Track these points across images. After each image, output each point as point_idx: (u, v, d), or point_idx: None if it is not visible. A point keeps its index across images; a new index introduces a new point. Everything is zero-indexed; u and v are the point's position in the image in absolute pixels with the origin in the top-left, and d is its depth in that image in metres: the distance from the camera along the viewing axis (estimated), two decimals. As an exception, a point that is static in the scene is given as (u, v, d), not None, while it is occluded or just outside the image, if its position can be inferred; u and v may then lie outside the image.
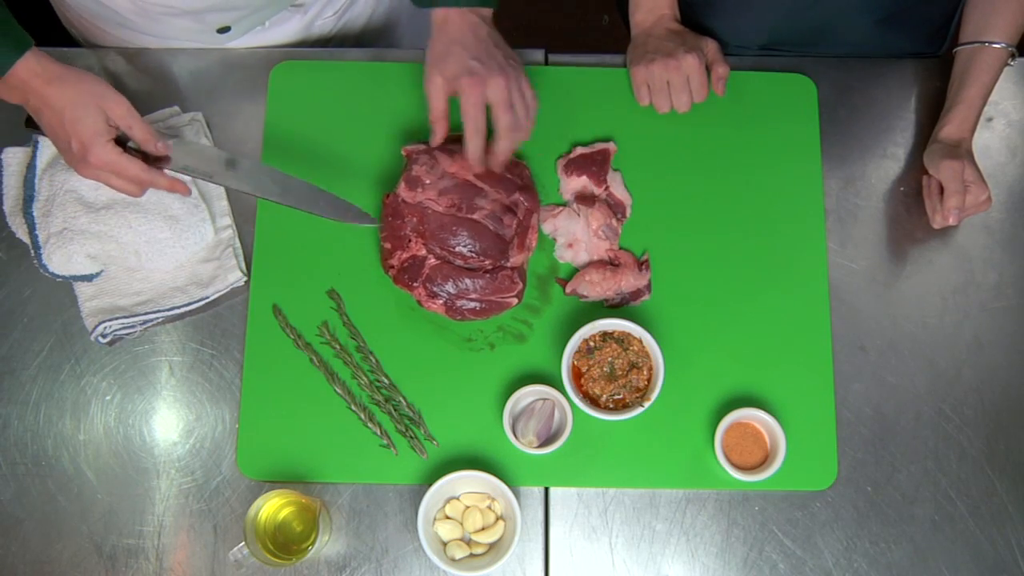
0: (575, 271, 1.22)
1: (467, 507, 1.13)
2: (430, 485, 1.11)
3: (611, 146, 1.26)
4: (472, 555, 1.12)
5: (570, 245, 1.22)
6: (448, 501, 1.13)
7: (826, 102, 1.30)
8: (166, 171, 1.10)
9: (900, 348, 1.21)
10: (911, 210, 1.26)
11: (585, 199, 1.23)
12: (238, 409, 1.17)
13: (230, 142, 1.27)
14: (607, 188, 1.24)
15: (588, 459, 1.16)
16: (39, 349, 1.20)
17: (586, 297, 1.21)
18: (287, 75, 1.29)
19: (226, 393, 1.19)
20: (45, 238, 1.19)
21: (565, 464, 1.16)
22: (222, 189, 1.25)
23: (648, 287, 1.21)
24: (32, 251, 1.20)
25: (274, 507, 1.09)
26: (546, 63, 1.33)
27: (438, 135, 1.15)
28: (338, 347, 1.19)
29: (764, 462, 1.14)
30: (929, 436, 1.18)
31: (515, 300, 1.18)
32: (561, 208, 1.24)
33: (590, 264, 1.21)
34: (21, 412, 1.18)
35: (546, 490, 1.16)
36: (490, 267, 1.17)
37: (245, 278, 1.22)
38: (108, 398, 1.19)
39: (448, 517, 1.13)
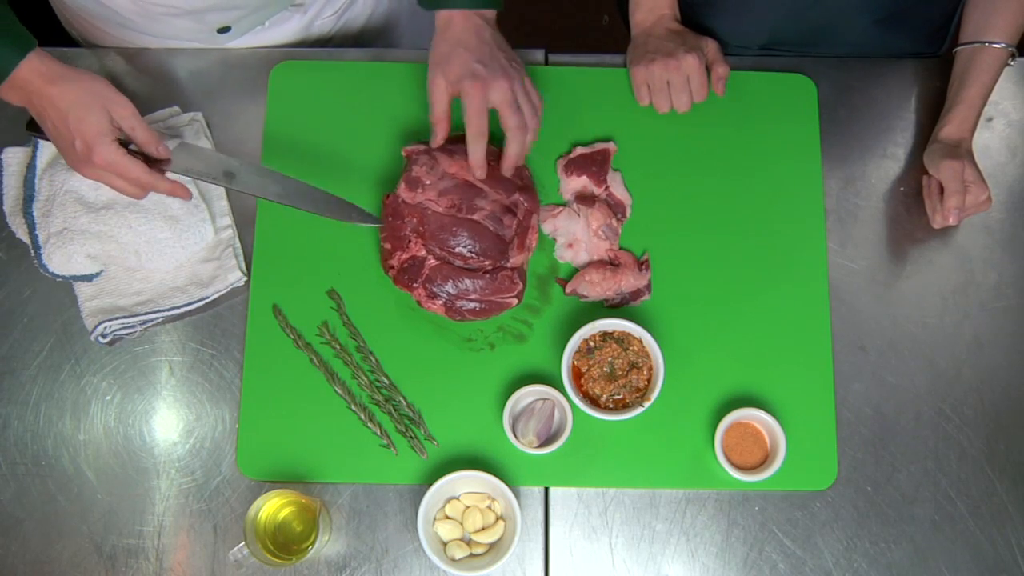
0: (575, 271, 1.22)
1: (467, 507, 1.13)
2: (430, 485, 1.11)
3: (611, 146, 1.26)
4: (472, 555, 1.12)
5: (570, 245, 1.22)
6: (448, 501, 1.13)
7: (826, 102, 1.30)
8: (168, 173, 1.10)
9: (900, 348, 1.21)
10: (911, 210, 1.26)
11: (585, 199, 1.23)
12: (238, 409, 1.17)
13: (230, 142, 1.27)
14: (607, 188, 1.24)
15: (588, 459, 1.16)
16: (39, 349, 1.20)
17: (586, 297, 1.21)
18: (287, 75, 1.29)
19: (226, 393, 1.19)
20: (45, 238, 1.19)
21: (565, 464, 1.16)
22: (222, 189, 1.25)
23: (648, 287, 1.21)
24: (32, 251, 1.20)
25: (274, 507, 1.09)
26: (546, 63, 1.33)
27: (439, 136, 1.15)
28: (338, 347, 1.19)
29: (764, 462, 1.14)
30: (929, 436, 1.18)
31: (515, 300, 1.18)
32: (561, 208, 1.24)
33: (590, 264, 1.21)
34: (21, 412, 1.18)
35: (546, 490, 1.16)
36: (490, 267, 1.17)
37: (245, 278, 1.22)
38: (108, 398, 1.19)
39: (448, 517, 1.13)
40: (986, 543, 1.14)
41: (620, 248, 1.22)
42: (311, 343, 1.19)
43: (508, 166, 1.15)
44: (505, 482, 1.10)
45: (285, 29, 1.35)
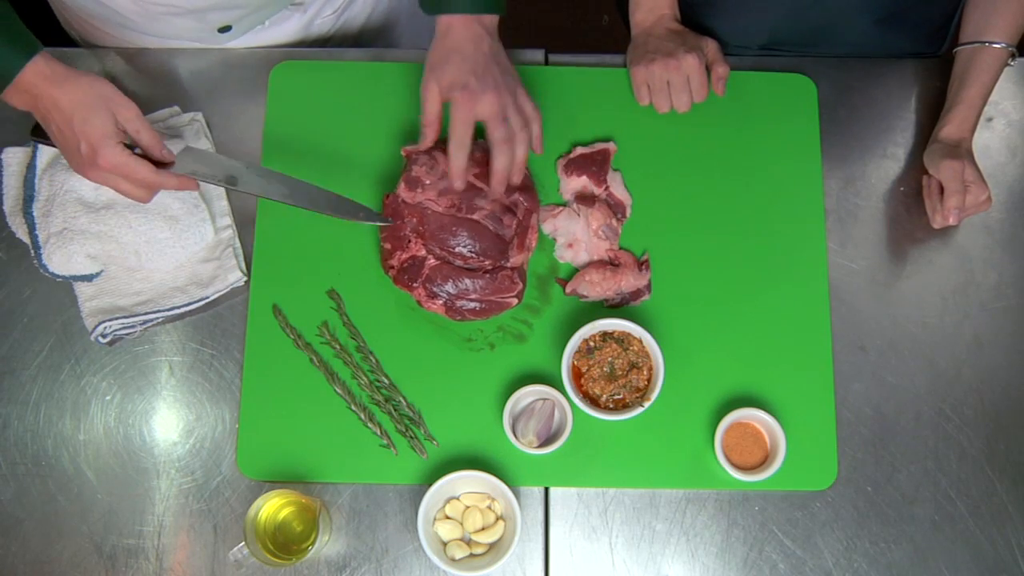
0: (575, 271, 1.22)
1: (467, 507, 1.13)
2: (430, 485, 1.11)
3: (611, 146, 1.26)
4: (472, 555, 1.12)
5: (570, 245, 1.22)
6: (448, 501, 1.13)
7: (826, 102, 1.30)
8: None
9: (900, 348, 1.21)
10: (911, 210, 1.26)
11: (585, 199, 1.23)
12: (238, 409, 1.17)
13: (230, 142, 1.27)
14: (607, 188, 1.24)
15: (588, 459, 1.16)
16: (39, 349, 1.20)
17: (586, 297, 1.21)
18: (287, 75, 1.29)
19: (226, 393, 1.19)
20: (45, 238, 1.19)
21: (565, 464, 1.16)
22: (222, 189, 1.25)
23: (648, 287, 1.21)
24: (32, 251, 1.20)
25: (274, 507, 1.09)
26: (546, 63, 1.33)
27: (428, 139, 1.16)
28: (338, 347, 1.19)
29: (764, 462, 1.14)
30: (929, 436, 1.18)
31: (515, 300, 1.18)
32: (561, 208, 1.24)
33: (590, 264, 1.21)
34: (21, 412, 1.18)
35: (546, 490, 1.16)
36: (490, 267, 1.17)
37: (245, 278, 1.22)
38: (108, 398, 1.19)
39: (448, 517, 1.13)
40: (986, 543, 1.14)
41: (620, 248, 1.22)
42: (311, 343, 1.19)
43: (496, 181, 1.14)
44: (505, 482, 1.10)
45: (285, 28, 1.35)
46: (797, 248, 1.23)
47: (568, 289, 1.21)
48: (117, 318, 1.18)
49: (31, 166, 1.22)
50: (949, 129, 1.21)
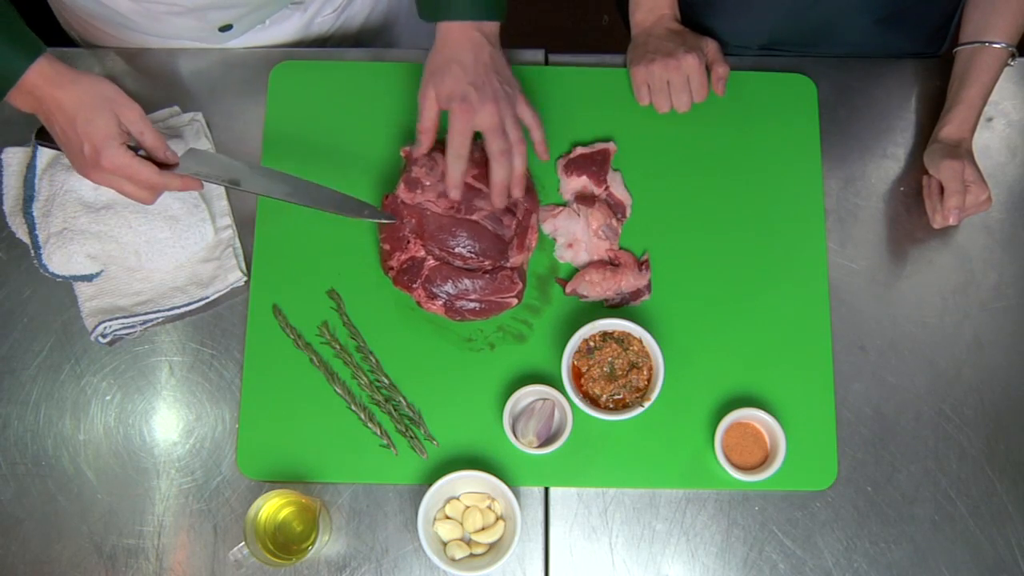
0: (575, 271, 1.22)
1: (467, 507, 1.13)
2: (430, 485, 1.11)
3: (611, 146, 1.26)
4: (472, 555, 1.12)
5: (570, 245, 1.22)
6: (448, 501, 1.13)
7: (826, 102, 1.30)
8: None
9: (900, 348, 1.21)
10: (911, 210, 1.26)
11: (585, 199, 1.23)
12: (238, 409, 1.17)
13: (230, 142, 1.27)
14: (607, 188, 1.24)
15: (588, 459, 1.16)
16: (39, 349, 1.20)
17: (586, 297, 1.21)
18: (287, 75, 1.29)
19: (226, 393, 1.19)
20: (45, 238, 1.19)
21: (565, 464, 1.16)
22: (222, 189, 1.25)
23: (648, 287, 1.21)
24: (32, 251, 1.20)
25: (274, 507, 1.09)
26: (546, 63, 1.33)
27: (424, 145, 1.16)
28: (338, 347, 1.19)
29: (764, 462, 1.14)
30: (929, 436, 1.18)
31: (515, 300, 1.18)
32: (561, 208, 1.24)
33: (590, 264, 1.21)
34: (21, 412, 1.18)
35: (546, 490, 1.16)
36: (489, 267, 1.17)
37: (245, 278, 1.22)
38: (108, 398, 1.19)
39: (448, 517, 1.13)
40: (986, 543, 1.14)
41: (620, 248, 1.22)
42: (311, 343, 1.19)
43: (496, 193, 1.13)
44: (505, 482, 1.10)
45: (285, 27, 1.35)
46: (797, 248, 1.23)
47: (568, 289, 1.21)
48: (117, 318, 1.18)
49: (31, 166, 1.22)
50: (949, 129, 1.21)
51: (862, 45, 1.34)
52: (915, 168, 1.27)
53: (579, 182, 1.24)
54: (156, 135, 1.07)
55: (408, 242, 1.17)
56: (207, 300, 1.21)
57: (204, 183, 1.12)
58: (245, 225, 1.24)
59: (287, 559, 1.07)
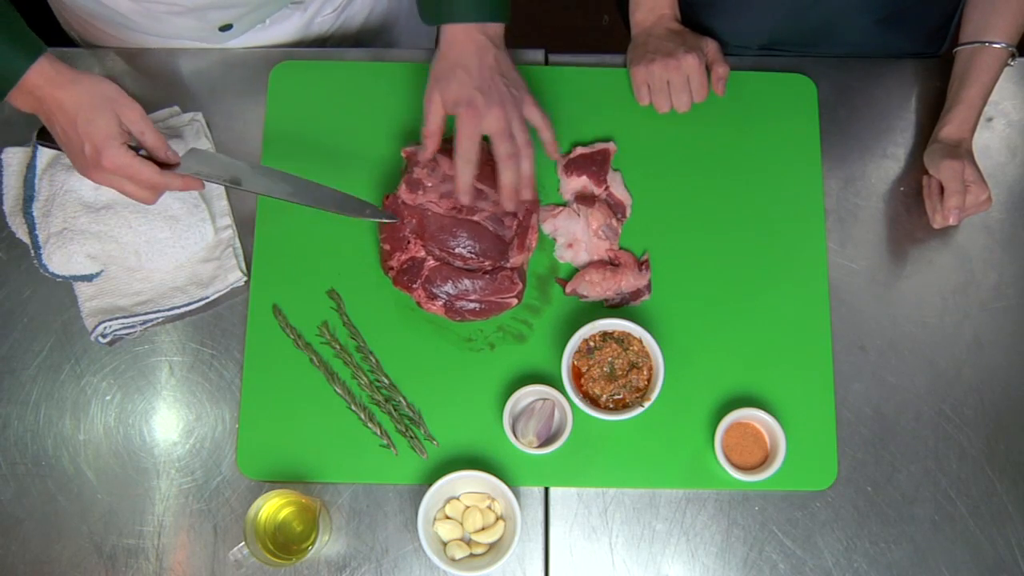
0: (575, 271, 1.22)
1: (467, 507, 1.13)
2: (430, 485, 1.11)
3: (611, 146, 1.26)
4: (472, 555, 1.12)
5: (570, 245, 1.22)
6: (448, 501, 1.13)
7: (826, 102, 1.30)
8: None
9: (900, 348, 1.21)
10: (911, 210, 1.26)
11: (585, 199, 1.23)
12: (238, 409, 1.17)
13: (230, 142, 1.27)
14: (607, 188, 1.24)
15: (588, 459, 1.16)
16: (39, 349, 1.20)
17: (586, 297, 1.21)
18: (287, 75, 1.29)
19: (226, 393, 1.19)
20: (45, 238, 1.19)
21: (565, 464, 1.16)
22: (222, 189, 1.25)
23: (648, 287, 1.21)
24: (32, 251, 1.20)
25: (274, 507, 1.09)
26: (546, 63, 1.33)
27: (429, 150, 1.15)
28: (338, 347, 1.19)
29: (764, 462, 1.14)
30: (929, 436, 1.18)
31: (515, 301, 1.18)
32: (561, 208, 1.24)
33: (590, 264, 1.21)
34: (21, 412, 1.18)
35: (546, 490, 1.16)
36: (490, 268, 1.17)
37: (245, 278, 1.22)
38: (108, 398, 1.19)
39: (448, 517, 1.13)
40: (986, 543, 1.14)
41: (620, 248, 1.22)
42: (311, 343, 1.19)
43: (505, 196, 1.13)
44: (505, 482, 1.10)
45: (285, 27, 1.35)
46: (797, 248, 1.23)
47: (568, 289, 1.21)
48: (117, 318, 1.18)
49: (31, 166, 1.22)
50: (949, 129, 1.21)
51: (862, 45, 1.34)
52: (915, 168, 1.27)
53: (579, 182, 1.24)
54: (157, 135, 1.07)
55: (408, 242, 1.17)
56: (207, 300, 1.21)
57: (205, 183, 1.12)
58: (245, 225, 1.24)
59: (287, 559, 1.07)
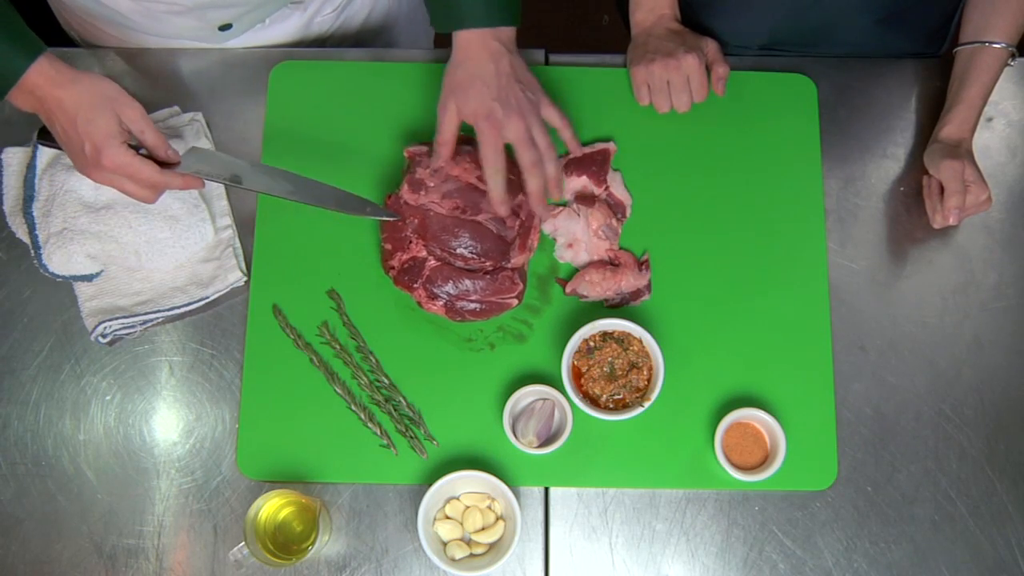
0: (575, 271, 1.22)
1: (467, 507, 1.13)
2: (430, 485, 1.11)
3: (611, 146, 1.26)
4: (472, 555, 1.12)
5: (570, 245, 1.22)
6: (448, 501, 1.13)
7: (826, 102, 1.30)
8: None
9: (900, 348, 1.21)
10: (911, 210, 1.26)
11: (585, 199, 1.23)
12: (238, 409, 1.17)
13: (230, 142, 1.27)
14: (607, 188, 1.24)
15: (588, 459, 1.16)
16: (39, 349, 1.20)
17: (586, 297, 1.21)
18: (287, 75, 1.29)
19: (226, 393, 1.19)
20: (45, 238, 1.19)
21: (565, 464, 1.16)
22: (222, 189, 1.25)
23: (648, 287, 1.21)
24: (32, 251, 1.20)
25: (274, 507, 1.09)
26: (546, 63, 1.33)
27: (443, 157, 1.16)
28: (338, 347, 1.19)
29: (764, 462, 1.14)
30: (929, 436, 1.18)
31: (515, 301, 1.18)
32: (561, 208, 1.24)
33: (590, 264, 1.21)
34: (21, 412, 1.18)
35: (546, 490, 1.16)
36: (490, 268, 1.17)
37: (245, 278, 1.22)
38: (108, 398, 1.19)
39: (448, 517, 1.13)
40: (986, 543, 1.14)
41: (620, 248, 1.22)
42: (311, 343, 1.19)
43: (535, 202, 1.14)
44: (505, 482, 1.10)
45: (285, 27, 1.35)
46: (797, 248, 1.23)
47: (568, 289, 1.21)
48: (117, 318, 1.18)
49: (31, 166, 1.22)
50: (949, 129, 1.21)
51: (862, 45, 1.34)
52: (915, 168, 1.27)
53: (579, 182, 1.24)
54: (157, 134, 1.07)
55: (410, 242, 1.17)
56: (207, 300, 1.21)
57: (205, 181, 1.12)
58: (245, 225, 1.24)
59: (287, 559, 1.07)
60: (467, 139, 1.20)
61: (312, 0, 1.35)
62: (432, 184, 1.17)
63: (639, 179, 1.25)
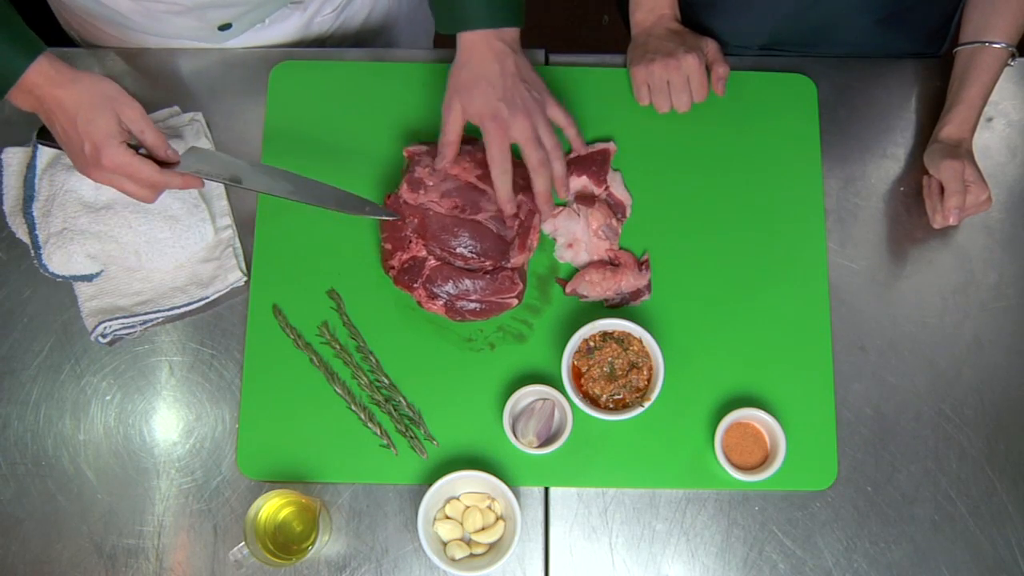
0: (575, 271, 1.22)
1: (467, 507, 1.13)
2: (430, 485, 1.11)
3: (611, 146, 1.26)
4: (472, 555, 1.12)
5: (570, 245, 1.22)
6: (448, 501, 1.13)
7: (826, 102, 1.30)
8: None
9: (900, 348, 1.21)
10: (911, 210, 1.26)
11: (585, 199, 1.23)
12: (238, 409, 1.17)
13: (230, 142, 1.27)
14: (607, 188, 1.24)
15: (588, 459, 1.16)
16: (39, 349, 1.20)
17: (586, 297, 1.21)
18: (287, 75, 1.29)
19: (226, 393, 1.19)
20: (45, 238, 1.19)
21: (565, 464, 1.16)
22: (222, 189, 1.25)
23: (648, 287, 1.21)
24: (32, 251, 1.20)
25: (274, 507, 1.09)
26: (546, 63, 1.33)
27: (447, 158, 1.16)
28: (338, 347, 1.19)
29: (764, 462, 1.14)
30: (929, 436, 1.18)
31: (515, 301, 1.18)
32: (561, 208, 1.24)
33: (590, 264, 1.21)
34: (21, 412, 1.18)
35: (546, 490, 1.16)
36: (490, 268, 1.17)
37: (245, 278, 1.22)
38: (108, 398, 1.19)
39: (448, 517, 1.13)
40: (986, 543, 1.14)
41: (620, 248, 1.22)
42: (311, 343, 1.19)
43: (541, 202, 1.15)
44: (505, 482, 1.10)
45: (285, 27, 1.35)
46: (797, 248, 1.23)
47: (568, 289, 1.21)
48: (117, 318, 1.18)
49: (31, 166, 1.22)
50: (949, 129, 1.21)
51: (862, 45, 1.34)
52: (915, 168, 1.27)
53: (579, 182, 1.24)
54: (157, 133, 1.07)
55: (410, 242, 1.17)
56: (207, 300, 1.21)
57: (205, 181, 1.12)
58: (245, 225, 1.24)
59: (287, 559, 1.07)
60: (468, 139, 1.20)
61: (312, 0, 1.35)
62: (431, 183, 1.17)
63: (639, 179, 1.25)
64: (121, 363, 1.20)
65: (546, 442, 1.14)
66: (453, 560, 1.11)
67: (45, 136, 1.12)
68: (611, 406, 1.14)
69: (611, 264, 1.21)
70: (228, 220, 1.24)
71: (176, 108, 1.28)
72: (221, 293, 1.21)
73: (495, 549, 1.11)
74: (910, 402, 1.19)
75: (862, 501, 1.16)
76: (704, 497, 1.16)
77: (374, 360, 1.18)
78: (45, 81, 1.03)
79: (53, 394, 1.19)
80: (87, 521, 1.15)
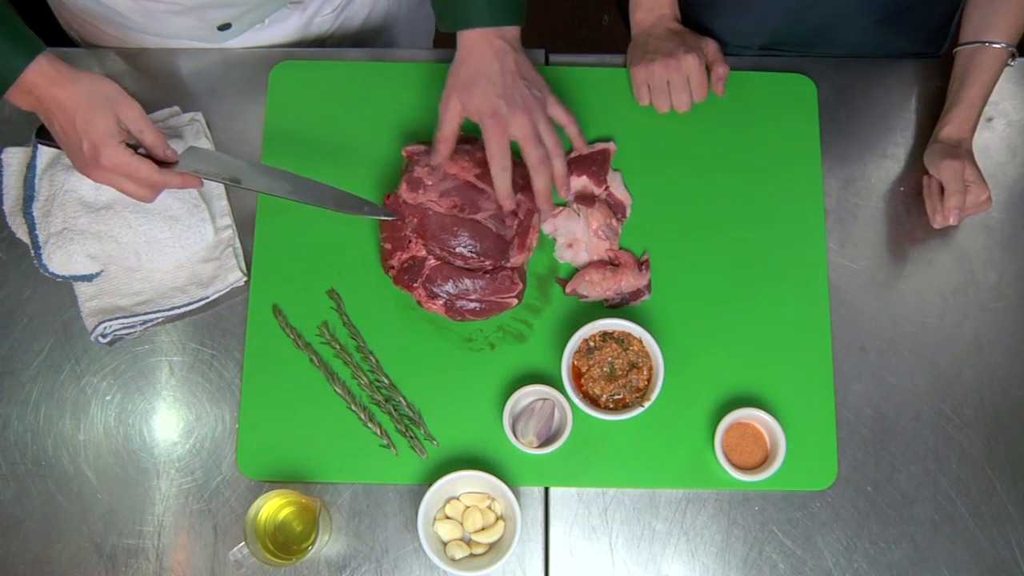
0: (575, 271, 1.22)
1: (467, 507, 1.13)
2: (430, 485, 1.11)
3: (611, 146, 1.26)
4: (472, 555, 1.12)
5: (570, 245, 1.22)
6: (448, 501, 1.13)
7: (826, 102, 1.30)
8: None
9: (900, 348, 1.21)
10: (911, 210, 1.26)
11: (585, 199, 1.23)
12: (238, 409, 1.17)
13: (230, 142, 1.27)
14: (607, 188, 1.24)
15: (588, 459, 1.16)
16: (39, 349, 1.20)
17: (586, 297, 1.21)
18: (287, 75, 1.29)
19: (226, 393, 1.19)
20: (45, 238, 1.19)
21: (565, 464, 1.16)
22: (222, 189, 1.25)
23: (648, 287, 1.21)
24: (32, 251, 1.20)
25: (274, 507, 1.09)
26: (546, 63, 1.33)
27: (442, 154, 1.16)
28: (338, 347, 1.19)
29: (764, 462, 1.14)
30: (929, 436, 1.18)
31: (515, 300, 1.18)
32: (561, 208, 1.24)
33: (590, 264, 1.21)
34: (21, 412, 1.18)
35: (546, 490, 1.16)
36: (490, 267, 1.17)
37: (245, 278, 1.22)
38: (108, 398, 1.19)
39: (448, 517, 1.13)
40: (986, 543, 1.14)
41: (620, 248, 1.22)
42: (311, 343, 1.19)
43: (541, 200, 1.15)
44: (505, 482, 1.10)
45: (285, 27, 1.35)
46: (797, 248, 1.23)
47: (568, 289, 1.21)
48: (117, 318, 1.18)
49: (31, 166, 1.22)
50: (949, 129, 1.21)
51: (862, 45, 1.34)
52: (915, 168, 1.27)
53: (579, 182, 1.24)
54: (155, 133, 1.07)
55: (409, 241, 1.17)
56: (207, 300, 1.21)
57: (204, 181, 1.12)
58: (245, 225, 1.24)
59: (287, 559, 1.07)
60: (466, 138, 1.20)
61: (311, 0, 1.35)
62: (430, 183, 1.17)
63: (639, 179, 1.25)
64: (121, 363, 1.20)
65: (546, 442, 1.14)
66: (453, 560, 1.11)
67: (44, 135, 1.13)
68: (611, 406, 1.14)
69: (611, 264, 1.21)
70: (228, 220, 1.24)
71: (176, 108, 1.28)
72: (221, 293, 1.21)
73: (495, 549, 1.11)
74: (910, 402, 1.19)
75: (862, 501, 1.16)
76: (704, 497, 1.16)
77: (374, 360, 1.18)
78: (44, 81, 1.03)
79: (53, 394, 1.19)
80: (87, 521, 1.15)
